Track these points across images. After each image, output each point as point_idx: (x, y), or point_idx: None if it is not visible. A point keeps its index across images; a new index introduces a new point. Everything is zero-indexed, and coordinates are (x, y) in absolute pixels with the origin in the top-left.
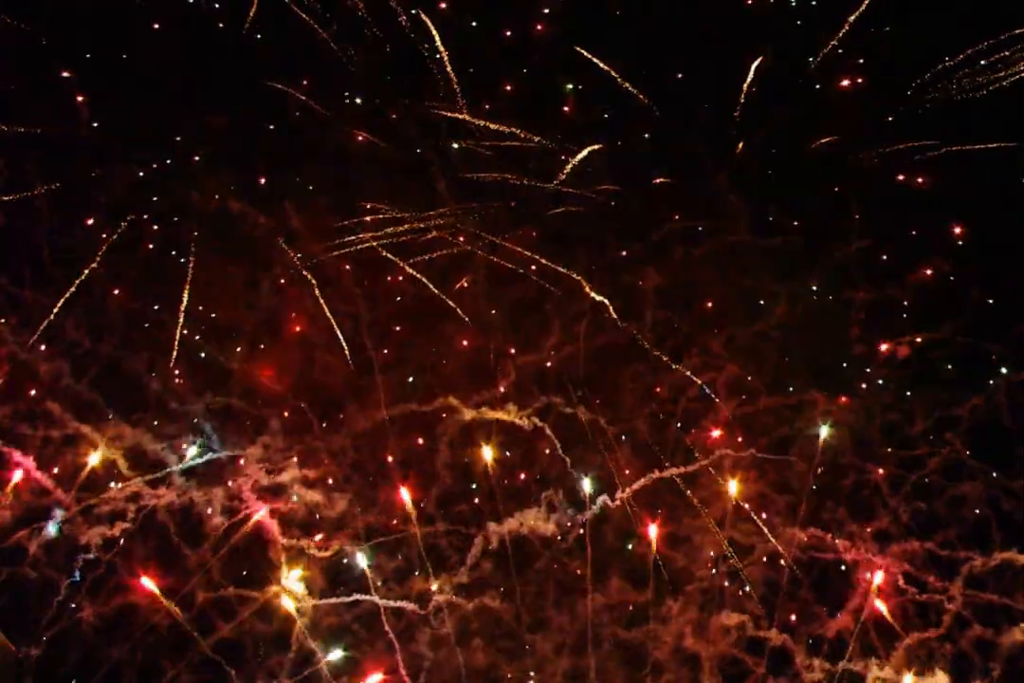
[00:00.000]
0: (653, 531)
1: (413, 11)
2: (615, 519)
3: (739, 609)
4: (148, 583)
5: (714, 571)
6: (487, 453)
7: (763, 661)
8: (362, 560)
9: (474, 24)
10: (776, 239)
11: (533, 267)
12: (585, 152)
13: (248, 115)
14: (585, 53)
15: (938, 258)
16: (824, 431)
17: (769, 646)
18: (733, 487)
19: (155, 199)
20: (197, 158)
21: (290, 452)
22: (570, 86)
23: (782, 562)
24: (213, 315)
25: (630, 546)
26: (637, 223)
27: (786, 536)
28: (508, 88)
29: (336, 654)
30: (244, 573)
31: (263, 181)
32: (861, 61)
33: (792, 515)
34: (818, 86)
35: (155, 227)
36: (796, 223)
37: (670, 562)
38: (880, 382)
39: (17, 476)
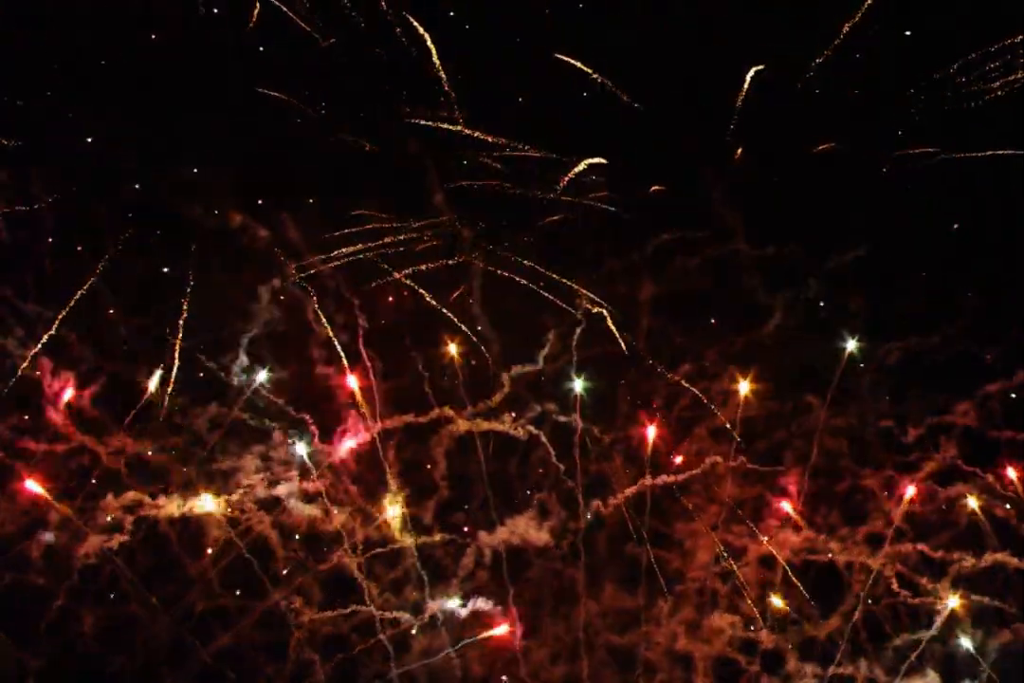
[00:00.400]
0: (652, 432)
1: (409, 18)
2: (609, 525)
3: (732, 610)
4: (33, 486)
5: (707, 573)
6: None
7: (756, 660)
8: (302, 448)
9: (467, 27)
10: (772, 248)
11: (530, 276)
12: (583, 165)
13: (247, 125)
14: (574, 62)
15: (933, 264)
16: (852, 345)
17: (761, 647)
18: (745, 387)
19: (155, 212)
20: (196, 170)
21: (291, 464)
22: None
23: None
24: (213, 328)
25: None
26: (634, 232)
27: (780, 538)
28: (507, 97)
29: (453, 603)
30: (244, 583)
31: (262, 192)
32: (862, 66)
33: (787, 518)
34: (818, 91)
35: (154, 240)
36: (793, 232)
37: (664, 564)
38: (875, 387)
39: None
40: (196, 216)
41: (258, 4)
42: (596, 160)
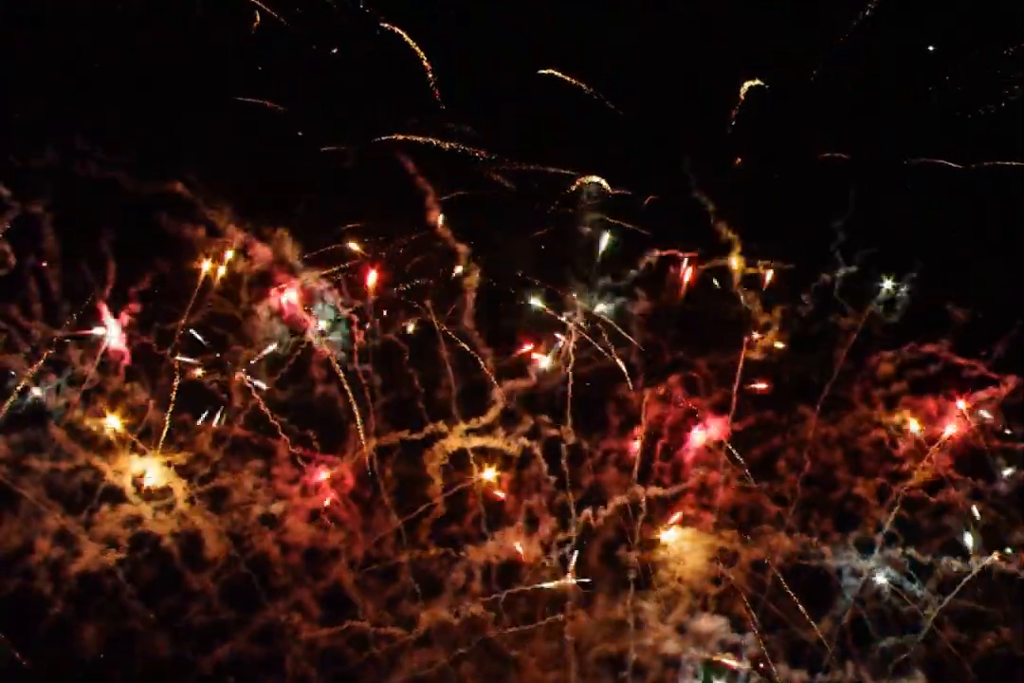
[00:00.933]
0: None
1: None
2: (601, 537)
3: (722, 614)
4: None
5: (698, 577)
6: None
7: (745, 663)
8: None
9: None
10: (765, 265)
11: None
12: (578, 183)
13: (246, 140)
14: (563, 76)
15: (921, 277)
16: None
17: (750, 651)
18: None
19: (156, 233)
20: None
21: (295, 482)
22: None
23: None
24: (212, 347)
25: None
26: (628, 247)
27: (772, 544)
28: (504, 106)
29: None
30: (244, 598)
31: (259, 211)
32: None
33: (780, 523)
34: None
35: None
36: (786, 248)
37: (655, 569)
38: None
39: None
40: (196, 235)
41: (258, 15)
42: (594, 178)
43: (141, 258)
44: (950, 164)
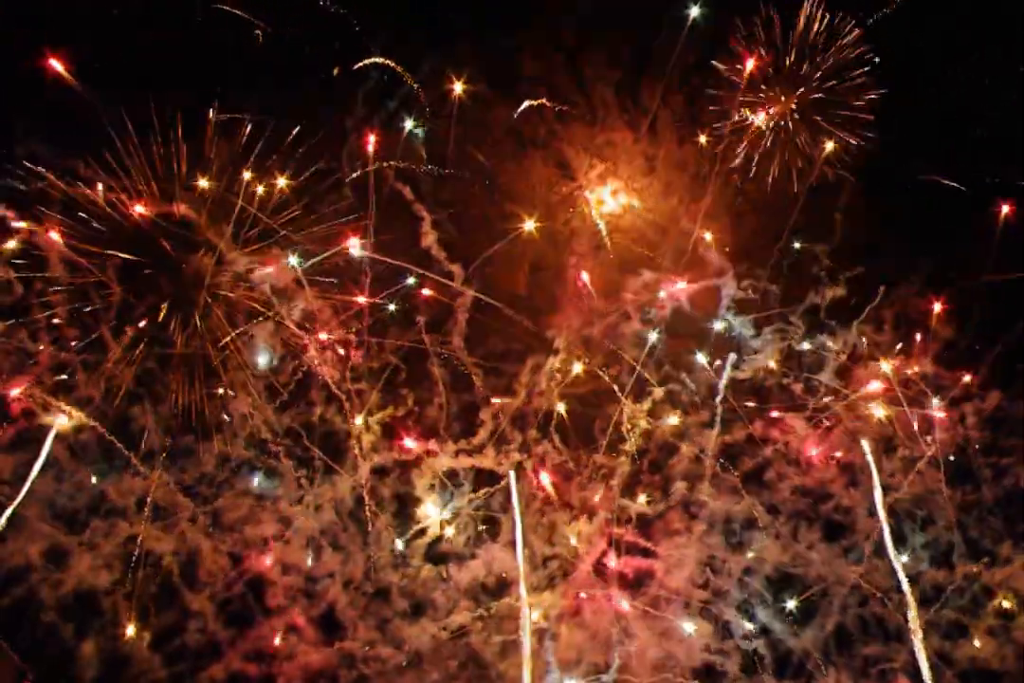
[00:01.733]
0: None
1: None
2: (591, 547)
3: (712, 620)
4: None
5: (690, 583)
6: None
7: (736, 666)
8: None
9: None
10: (752, 287)
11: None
12: (574, 209)
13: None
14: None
15: (908, 293)
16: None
17: (741, 657)
18: None
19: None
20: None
21: (298, 503)
22: None
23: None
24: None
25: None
26: (618, 270)
27: (764, 551)
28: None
29: None
30: (241, 616)
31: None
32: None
33: (769, 532)
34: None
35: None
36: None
37: (646, 575)
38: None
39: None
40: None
41: (260, 36)
42: (585, 206)
43: (145, 281)
44: (954, 185)
